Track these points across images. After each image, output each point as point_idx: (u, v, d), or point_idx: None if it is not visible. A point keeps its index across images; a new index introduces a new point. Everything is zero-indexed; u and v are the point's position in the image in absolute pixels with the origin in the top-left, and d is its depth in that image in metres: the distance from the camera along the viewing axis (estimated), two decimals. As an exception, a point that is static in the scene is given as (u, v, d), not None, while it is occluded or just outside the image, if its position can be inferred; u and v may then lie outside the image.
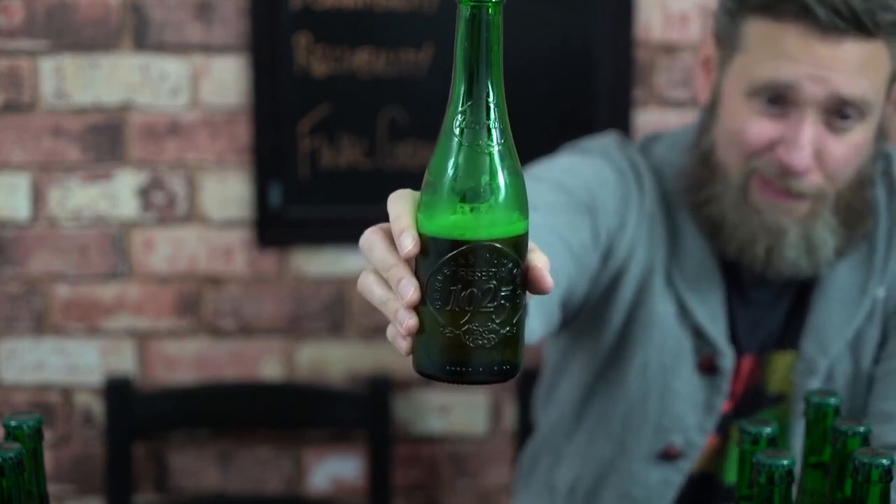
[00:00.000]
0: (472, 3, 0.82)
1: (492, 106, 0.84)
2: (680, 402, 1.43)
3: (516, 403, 2.03)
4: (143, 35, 2.03)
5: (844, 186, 1.34)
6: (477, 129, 0.83)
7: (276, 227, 2.07)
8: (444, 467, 2.19)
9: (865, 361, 1.41)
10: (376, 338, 2.12)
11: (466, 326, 0.83)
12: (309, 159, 2.06)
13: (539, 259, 0.85)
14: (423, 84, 2.03)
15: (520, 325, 0.85)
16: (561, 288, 1.30)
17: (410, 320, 0.83)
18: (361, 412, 2.08)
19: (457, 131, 0.83)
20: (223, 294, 2.11)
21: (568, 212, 1.35)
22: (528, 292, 0.85)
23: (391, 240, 0.86)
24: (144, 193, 2.07)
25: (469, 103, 0.83)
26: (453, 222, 0.82)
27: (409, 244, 0.83)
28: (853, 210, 1.36)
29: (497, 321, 0.83)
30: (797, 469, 0.96)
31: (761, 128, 1.31)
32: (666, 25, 2.05)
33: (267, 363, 2.14)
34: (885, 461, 0.92)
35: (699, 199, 1.39)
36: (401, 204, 0.86)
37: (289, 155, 2.05)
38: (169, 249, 2.09)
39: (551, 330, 1.34)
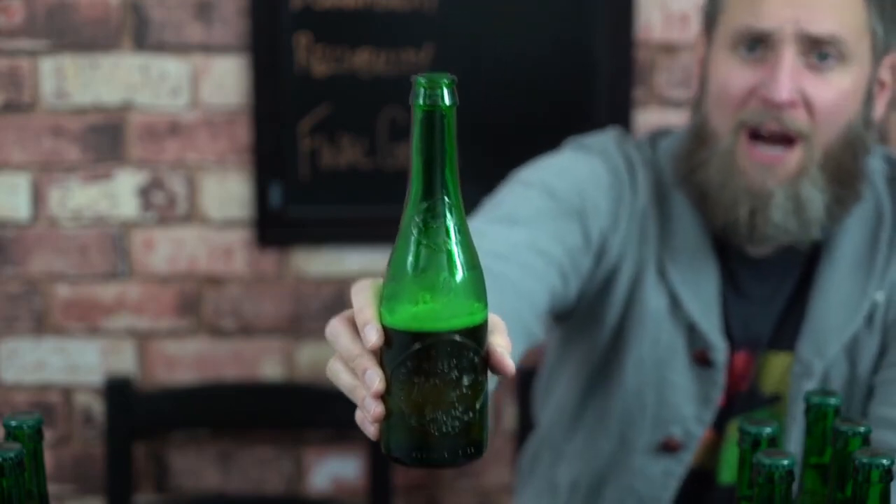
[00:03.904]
0: (426, 108, 0.85)
1: (448, 204, 0.85)
2: (677, 394, 1.43)
3: (516, 403, 2.03)
4: (143, 35, 2.03)
5: (834, 141, 1.35)
6: (435, 228, 0.85)
7: (276, 227, 2.07)
8: (444, 467, 2.19)
9: (862, 368, 1.40)
10: (376, 338, 2.11)
11: (430, 416, 0.85)
12: (309, 159, 2.06)
13: (499, 343, 0.88)
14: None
15: (483, 409, 0.87)
16: (539, 306, 1.34)
17: (377, 408, 0.86)
18: (361, 412, 2.08)
19: (415, 230, 0.85)
20: (223, 294, 2.11)
21: (555, 218, 1.38)
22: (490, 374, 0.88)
23: (356, 329, 0.88)
24: (144, 193, 2.07)
25: (426, 203, 0.85)
26: (414, 315, 0.85)
27: (373, 337, 0.85)
28: (843, 168, 1.37)
29: (460, 409, 0.86)
30: (797, 469, 0.96)
31: (742, 76, 1.34)
32: (666, 25, 2.05)
33: (267, 363, 2.14)
34: (885, 461, 0.91)
35: (688, 168, 1.41)
36: (364, 295, 0.88)
37: (289, 155, 2.05)
38: (169, 249, 2.09)
39: (533, 346, 1.36)
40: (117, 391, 2.07)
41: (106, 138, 2.06)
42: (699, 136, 1.40)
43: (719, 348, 1.42)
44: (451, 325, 0.84)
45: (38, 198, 2.07)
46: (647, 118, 2.06)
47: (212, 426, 2.16)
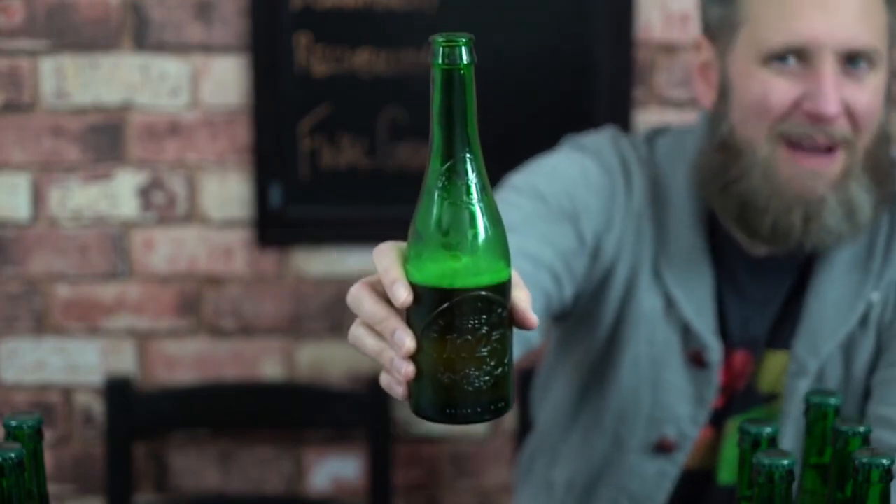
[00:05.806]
0: (445, 67, 0.87)
1: (471, 162, 0.87)
2: (671, 394, 1.44)
3: (516, 404, 2.02)
4: (143, 35, 2.03)
5: (871, 141, 1.35)
6: (459, 186, 0.86)
7: (276, 227, 2.07)
8: (444, 467, 2.19)
9: (858, 369, 1.41)
10: (376, 338, 2.11)
11: (463, 372, 0.86)
12: (309, 159, 2.06)
13: (521, 299, 0.89)
14: (423, 84, 2.01)
15: (510, 363, 0.89)
16: (535, 308, 1.33)
17: (408, 368, 0.87)
18: (361, 412, 2.08)
19: (440, 188, 0.86)
20: (223, 294, 2.11)
21: (546, 222, 1.38)
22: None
23: (378, 293, 0.89)
24: (144, 193, 2.07)
25: (450, 162, 0.86)
26: (445, 273, 0.85)
27: (403, 295, 0.86)
28: (881, 167, 1.37)
29: (491, 363, 0.87)
30: (797, 469, 0.96)
31: (784, 89, 1.33)
32: (666, 25, 2.05)
33: (267, 363, 2.14)
34: (885, 461, 0.91)
35: (725, 182, 1.38)
36: (389, 256, 0.89)
37: (289, 155, 2.05)
38: (169, 249, 2.09)
39: (529, 350, 1.36)
40: (117, 391, 2.07)
41: (106, 138, 2.06)
42: (727, 146, 1.38)
43: (713, 349, 1.42)
44: (482, 281, 0.85)
45: (38, 198, 2.07)
46: (647, 118, 2.06)
47: (212, 426, 2.16)
